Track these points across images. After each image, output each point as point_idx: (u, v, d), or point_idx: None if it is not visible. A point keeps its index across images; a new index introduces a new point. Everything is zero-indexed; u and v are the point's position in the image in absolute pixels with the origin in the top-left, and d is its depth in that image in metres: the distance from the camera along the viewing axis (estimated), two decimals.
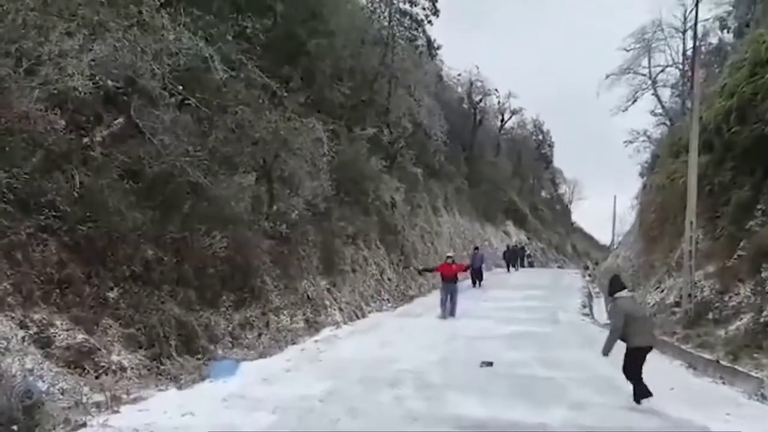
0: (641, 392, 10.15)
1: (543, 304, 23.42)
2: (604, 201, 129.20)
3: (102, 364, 10.26)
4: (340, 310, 19.13)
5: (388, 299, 23.87)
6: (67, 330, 10.14)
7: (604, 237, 79.32)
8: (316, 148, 17.49)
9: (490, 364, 12.90)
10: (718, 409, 9.89)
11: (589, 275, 40.30)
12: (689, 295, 15.58)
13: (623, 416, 9.59)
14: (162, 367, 11.08)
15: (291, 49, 22.86)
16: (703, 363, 12.94)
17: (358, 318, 19.98)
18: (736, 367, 11.98)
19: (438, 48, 40.08)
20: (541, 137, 74.24)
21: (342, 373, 11.98)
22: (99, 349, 10.41)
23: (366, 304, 21.46)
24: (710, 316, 14.95)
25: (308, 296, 17.65)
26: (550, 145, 76.02)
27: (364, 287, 22.30)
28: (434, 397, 10.32)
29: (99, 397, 9.24)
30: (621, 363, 10.43)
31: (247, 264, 15.10)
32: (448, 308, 20.99)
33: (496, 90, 54.43)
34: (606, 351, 10.37)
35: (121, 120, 13.53)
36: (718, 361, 12.54)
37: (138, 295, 11.84)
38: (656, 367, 12.83)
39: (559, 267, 55.48)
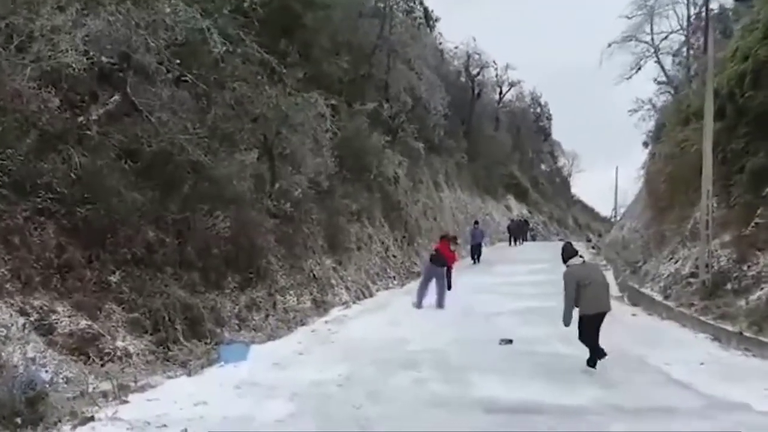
0: (597, 356, 10.25)
1: (551, 278, 22.86)
2: (604, 173, 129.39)
3: (107, 350, 9.95)
4: (347, 288, 18.75)
5: (393, 276, 23.48)
6: (69, 316, 9.83)
7: (604, 209, 79.22)
8: (318, 124, 17.02)
9: (510, 341, 12.47)
10: (753, 383, 9.42)
11: (593, 247, 39.85)
12: (706, 266, 15.14)
13: (658, 394, 9.12)
14: (169, 353, 10.71)
15: (287, 23, 22.33)
16: (726, 335, 12.53)
17: (365, 297, 19.57)
18: (761, 338, 11.61)
19: (436, 20, 39.46)
20: (539, 110, 73.72)
21: (356, 355, 11.57)
22: (103, 335, 10.09)
23: (372, 282, 21.06)
24: (729, 286, 14.52)
25: (314, 275, 17.26)
26: (548, 118, 75.51)
27: (369, 265, 21.89)
28: (456, 379, 9.89)
29: (106, 386, 8.86)
30: (644, 339, 10.10)
31: (251, 244, 14.69)
32: (427, 296, 17.62)
33: (494, 62, 53.89)
34: (566, 321, 10.36)
35: (116, 97, 13.07)
36: (741, 333, 12.15)
37: (140, 278, 11.49)
38: (680, 340, 12.58)
39: (561, 240, 54.82)
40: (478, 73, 51.95)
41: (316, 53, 23.77)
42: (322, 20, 24.28)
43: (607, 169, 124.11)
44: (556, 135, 79.02)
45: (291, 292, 15.77)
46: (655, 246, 20.58)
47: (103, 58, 12.63)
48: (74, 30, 11.32)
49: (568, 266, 10.60)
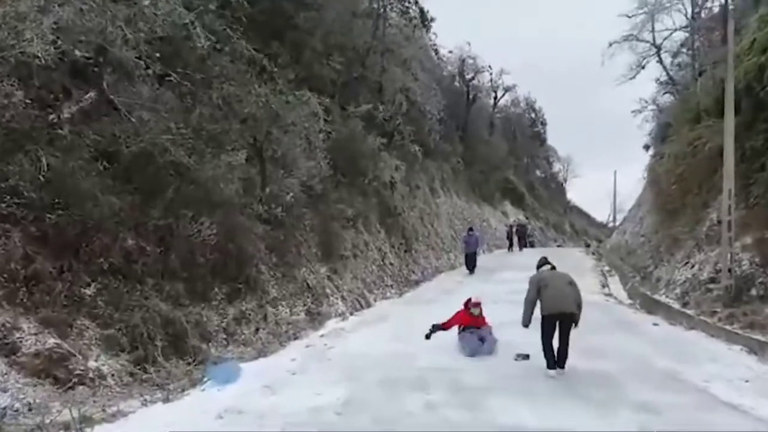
0: (547, 358, 10.30)
1: None
2: (598, 179, 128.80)
3: (77, 372, 9.12)
4: (343, 298, 17.71)
5: (391, 285, 22.44)
6: (36, 334, 9.00)
7: (600, 215, 78.57)
8: (311, 124, 16.01)
9: (527, 356, 11.30)
10: None
11: (593, 253, 38.97)
12: (729, 270, 14.13)
13: (707, 419, 7.99)
14: (146, 375, 9.68)
15: (278, 23, 21.56)
16: (760, 346, 11.42)
17: (362, 307, 18.48)
18: None
19: (431, 20, 38.46)
20: (533, 115, 72.91)
21: (357, 375, 10.43)
22: (73, 355, 9.24)
23: (369, 291, 20.00)
24: (754, 292, 13.60)
25: (308, 285, 16.25)
26: (543, 123, 74.65)
27: (366, 273, 20.82)
28: (473, 404, 8.73)
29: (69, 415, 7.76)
30: (673, 351, 9.15)
31: (240, 252, 13.76)
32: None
33: (489, 66, 53.02)
34: (524, 321, 10.64)
35: (92, 94, 12.21)
36: None
37: (117, 290, 10.69)
38: (713, 352, 11.51)
39: (558, 246, 54.04)
40: (473, 78, 51.09)
41: (307, 54, 22.93)
42: (314, 21, 23.55)
43: (601, 174, 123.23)
44: (551, 140, 78.30)
45: (283, 303, 14.82)
46: (667, 250, 19.59)
47: (77, 52, 11.77)
48: (41, 16, 10.29)
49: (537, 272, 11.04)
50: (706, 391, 8.99)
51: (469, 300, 13.06)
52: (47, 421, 7.46)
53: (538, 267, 11.25)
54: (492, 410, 8.43)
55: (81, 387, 8.80)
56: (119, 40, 11.87)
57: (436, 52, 42.57)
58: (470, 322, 12.61)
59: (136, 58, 12.41)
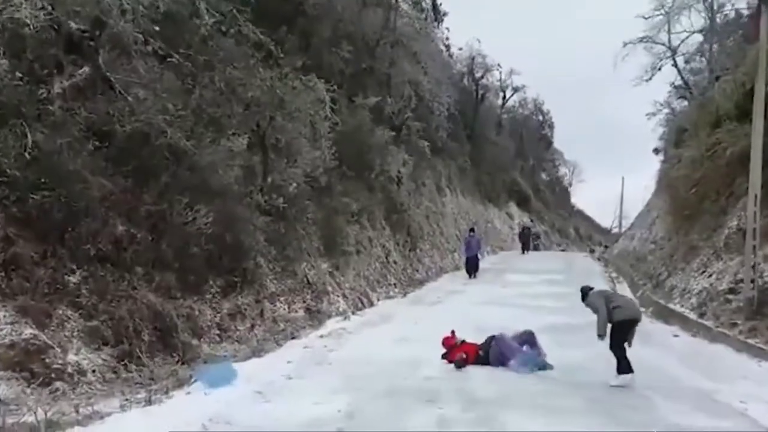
0: (626, 367, 9.66)
1: (568, 290, 20.80)
2: (602, 184, 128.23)
3: (55, 366, 8.31)
4: (344, 296, 16.93)
5: (394, 284, 21.66)
6: (12, 323, 8.30)
7: (604, 220, 77.82)
8: (316, 111, 15.23)
9: (550, 366, 10.54)
10: None
11: (599, 258, 38.29)
12: (752, 281, 13.31)
13: None
14: (128, 374, 8.91)
15: (287, 9, 20.89)
16: None
17: (364, 306, 17.66)
18: None
19: (444, 15, 37.65)
20: (541, 117, 72.19)
21: (360, 382, 9.52)
22: (52, 348, 8.47)
23: (372, 289, 19.20)
24: None
25: (308, 281, 15.49)
26: (551, 126, 73.95)
27: (369, 271, 20.02)
28: (490, 420, 7.80)
29: (39, 415, 7.02)
30: (701, 367, 8.36)
31: (237, 243, 13.01)
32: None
33: (499, 65, 52.26)
34: (601, 332, 9.76)
35: (86, 69, 11.41)
36: None
37: (104, 279, 9.93)
38: (744, 369, 10.62)
39: (562, 250, 53.26)
40: (482, 76, 50.41)
41: (316, 43, 22.33)
42: (323, 8, 22.93)
43: (606, 180, 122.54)
44: (557, 144, 77.56)
45: (281, 298, 14.08)
46: (682, 258, 18.76)
47: (72, 24, 10.99)
48: None
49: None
50: (746, 414, 8.17)
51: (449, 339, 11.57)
52: (11, 422, 6.70)
53: (585, 296, 10.37)
54: (509, 428, 7.58)
55: (58, 383, 8.08)
56: (116, 10, 11.16)
57: (448, 48, 41.80)
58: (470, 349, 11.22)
59: (136, 32, 11.72)
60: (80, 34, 11.33)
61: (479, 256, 27.72)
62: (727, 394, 8.82)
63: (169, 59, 13.45)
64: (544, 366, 10.53)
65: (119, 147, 11.30)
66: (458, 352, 11.05)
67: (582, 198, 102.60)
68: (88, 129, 10.82)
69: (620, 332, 9.72)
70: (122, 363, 9.08)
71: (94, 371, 8.71)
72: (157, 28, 12.26)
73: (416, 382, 9.65)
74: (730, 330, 13.06)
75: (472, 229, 29.48)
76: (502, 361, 10.71)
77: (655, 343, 12.02)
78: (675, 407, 8.43)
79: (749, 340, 12.18)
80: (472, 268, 26.46)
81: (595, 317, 9.83)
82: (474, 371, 10.45)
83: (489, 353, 10.93)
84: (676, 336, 13.92)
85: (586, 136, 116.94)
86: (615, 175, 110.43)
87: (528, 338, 11.14)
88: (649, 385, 9.41)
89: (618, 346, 9.71)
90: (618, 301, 10.14)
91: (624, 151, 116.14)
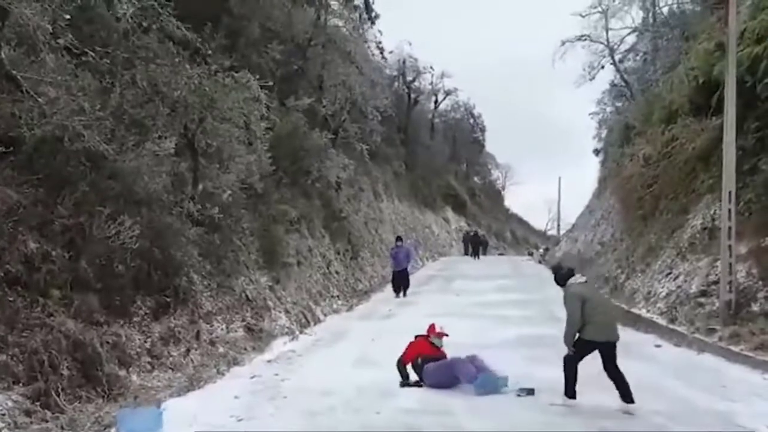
0: (571, 390, 8.59)
1: (525, 297, 19.92)
2: (533, 187, 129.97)
3: None
4: (287, 312, 15.61)
5: (338, 296, 20.43)
6: None
7: (537, 222, 78.36)
8: (251, 111, 13.97)
9: (531, 392, 9.20)
10: None
11: (540, 262, 38.03)
12: (729, 284, 12.50)
13: None
14: (44, 420, 7.50)
15: (211, 8, 19.50)
16: None
17: (309, 323, 16.29)
18: None
19: (376, 17, 36.68)
20: (472, 121, 72.07)
21: (325, 420, 8.12)
22: None
23: (315, 303, 17.91)
24: (755, 307, 12.08)
25: (247, 297, 14.19)
26: (482, 129, 73.93)
27: (311, 283, 18.70)
28: None
29: None
30: (702, 383, 7.46)
31: (167, 258, 11.67)
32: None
33: (431, 68, 51.75)
34: (569, 344, 8.54)
35: None
36: None
37: (13, 305, 8.58)
38: (752, 385, 9.53)
39: (500, 254, 53.10)
40: (414, 80, 49.90)
41: (243, 43, 21.04)
42: (250, 6, 21.64)
43: (536, 182, 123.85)
44: (489, 147, 77.67)
45: (219, 317, 12.77)
46: (640, 259, 18.06)
47: None
48: None
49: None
50: None
51: (433, 327, 10.39)
52: None
53: (565, 279, 8.82)
54: None
55: None
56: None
57: (381, 51, 40.86)
58: (431, 353, 10.07)
59: (45, 22, 10.35)
60: None
61: (409, 269, 23.87)
62: (748, 417, 7.71)
63: (83, 57, 12.11)
64: (531, 390, 9.29)
65: (28, 153, 10.03)
66: (414, 354, 10.01)
67: (515, 201, 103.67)
68: None
69: (583, 351, 8.44)
70: (38, 403, 7.70)
71: (3, 415, 7.33)
72: (68, 17, 10.85)
73: (392, 419, 8.21)
74: (708, 336, 12.37)
75: (398, 238, 25.56)
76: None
77: (638, 356, 10.88)
78: (681, 427, 7.44)
79: (731, 347, 11.46)
80: (400, 284, 22.60)
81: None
82: (454, 401, 8.99)
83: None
84: (658, 346, 12.86)
85: (517, 138, 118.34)
86: (546, 175, 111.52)
87: (479, 364, 9.91)
88: (657, 410, 8.19)
89: (572, 364, 8.50)
90: (596, 315, 8.37)
91: (558, 151, 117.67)
